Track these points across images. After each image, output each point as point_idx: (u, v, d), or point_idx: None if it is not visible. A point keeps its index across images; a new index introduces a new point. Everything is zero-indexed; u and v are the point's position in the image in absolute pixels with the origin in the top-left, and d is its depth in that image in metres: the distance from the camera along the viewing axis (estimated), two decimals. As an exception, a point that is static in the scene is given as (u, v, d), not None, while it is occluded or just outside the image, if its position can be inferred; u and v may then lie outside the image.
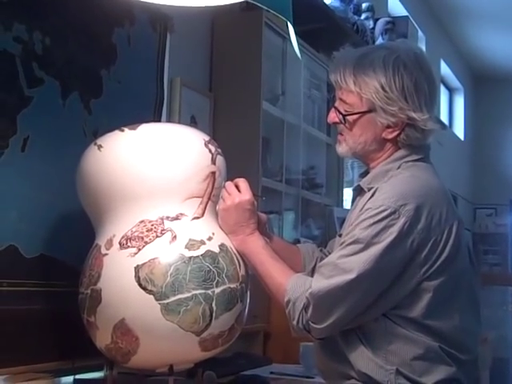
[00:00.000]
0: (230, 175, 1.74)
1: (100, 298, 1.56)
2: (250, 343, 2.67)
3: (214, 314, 1.56)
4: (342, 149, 1.64)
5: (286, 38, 3.03)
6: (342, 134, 1.64)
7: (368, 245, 1.47)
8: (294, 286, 1.55)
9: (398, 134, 1.58)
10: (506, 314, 5.72)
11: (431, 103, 1.59)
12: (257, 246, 1.65)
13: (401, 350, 1.50)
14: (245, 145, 2.78)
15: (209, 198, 1.66)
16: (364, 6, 4.14)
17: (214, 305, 1.55)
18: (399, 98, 1.54)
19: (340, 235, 1.64)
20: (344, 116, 1.60)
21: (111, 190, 1.62)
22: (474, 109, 8.41)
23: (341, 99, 1.61)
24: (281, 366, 2.46)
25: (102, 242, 1.62)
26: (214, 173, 1.67)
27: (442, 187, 1.59)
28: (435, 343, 1.50)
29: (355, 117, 1.59)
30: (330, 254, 1.71)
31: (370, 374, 1.50)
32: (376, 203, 1.50)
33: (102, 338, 1.59)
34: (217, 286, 1.56)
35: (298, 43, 1.60)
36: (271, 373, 2.33)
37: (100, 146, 1.66)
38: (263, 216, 1.74)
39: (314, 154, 3.60)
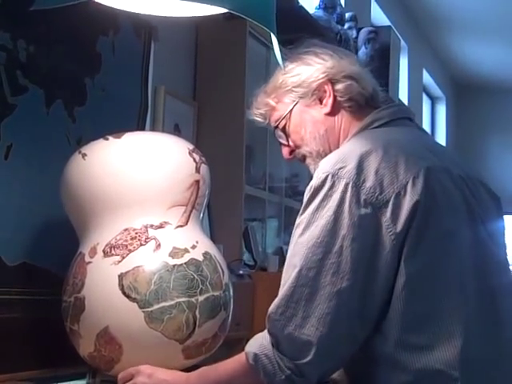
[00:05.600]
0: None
1: (83, 306, 1.56)
2: (233, 351, 2.66)
3: (197, 322, 1.56)
4: (310, 160, 1.58)
5: (270, 48, 3.04)
6: (304, 157, 1.61)
7: (309, 223, 1.29)
8: (252, 340, 1.35)
9: (334, 101, 1.51)
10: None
11: (340, 57, 1.53)
12: (188, 376, 1.47)
13: (382, 377, 1.27)
14: (228, 153, 2.79)
15: (193, 207, 1.67)
16: (347, 15, 4.17)
17: (197, 313, 1.56)
18: (303, 70, 1.53)
19: None
20: (283, 129, 1.58)
21: (95, 198, 1.63)
22: (456, 118, 8.47)
23: (276, 126, 1.59)
24: (264, 374, 2.45)
25: (85, 250, 1.62)
26: (198, 181, 1.68)
27: (401, 138, 1.41)
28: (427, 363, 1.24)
29: (288, 117, 1.56)
30: None
31: None
32: (313, 177, 1.36)
33: (85, 346, 1.59)
34: (200, 294, 1.57)
35: (281, 53, 1.62)
36: (254, 380, 2.32)
37: (84, 155, 1.66)
38: None
39: (297, 162, 3.56)
